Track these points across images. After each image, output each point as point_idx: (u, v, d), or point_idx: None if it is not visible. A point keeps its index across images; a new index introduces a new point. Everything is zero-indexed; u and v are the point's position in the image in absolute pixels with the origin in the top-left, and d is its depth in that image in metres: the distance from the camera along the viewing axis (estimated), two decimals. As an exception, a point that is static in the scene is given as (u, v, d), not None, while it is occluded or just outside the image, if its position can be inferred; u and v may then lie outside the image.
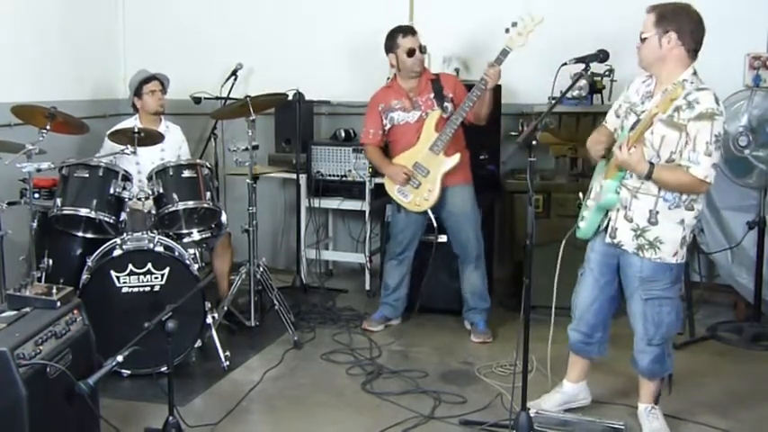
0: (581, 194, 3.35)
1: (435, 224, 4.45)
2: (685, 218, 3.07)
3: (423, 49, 4.47)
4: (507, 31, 4.09)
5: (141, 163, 4.50)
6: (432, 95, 4.44)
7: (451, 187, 4.42)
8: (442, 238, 4.60)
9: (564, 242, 3.24)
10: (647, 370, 3.25)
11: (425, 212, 4.43)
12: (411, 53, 4.40)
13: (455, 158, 4.36)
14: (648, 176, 2.96)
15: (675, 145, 2.96)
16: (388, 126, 4.52)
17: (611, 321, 3.43)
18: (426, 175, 4.37)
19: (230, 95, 5.60)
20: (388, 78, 4.89)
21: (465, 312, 4.62)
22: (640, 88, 3.17)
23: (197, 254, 4.31)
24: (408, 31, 4.46)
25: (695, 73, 3.04)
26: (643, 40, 3.02)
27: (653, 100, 3.05)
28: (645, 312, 3.14)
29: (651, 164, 2.95)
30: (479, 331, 4.49)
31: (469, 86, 4.58)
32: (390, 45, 4.46)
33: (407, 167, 4.38)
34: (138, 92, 4.68)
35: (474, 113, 4.32)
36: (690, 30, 3.01)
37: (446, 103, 4.42)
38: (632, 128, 3.04)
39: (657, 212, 3.04)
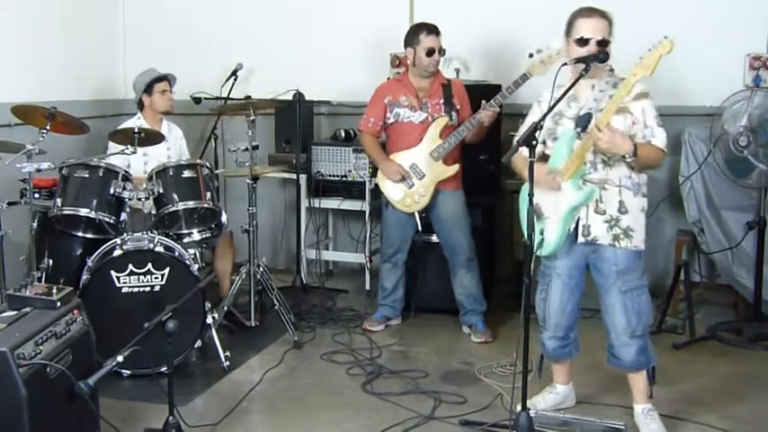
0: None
1: (420, 227, 4.45)
2: (644, 204, 3.20)
3: (442, 52, 4.44)
4: (531, 56, 4.02)
5: (149, 163, 4.50)
6: (441, 101, 4.42)
7: (443, 192, 4.42)
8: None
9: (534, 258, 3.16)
10: (634, 362, 3.25)
11: (412, 214, 4.43)
12: (431, 53, 4.36)
13: (453, 168, 4.37)
14: (634, 153, 3.02)
15: (624, 127, 3.09)
16: (392, 120, 4.48)
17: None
18: (421, 178, 4.37)
19: (230, 95, 5.60)
20: (389, 78, 4.88)
21: (462, 316, 4.60)
22: (555, 96, 3.13)
23: (197, 254, 4.31)
24: (432, 30, 4.39)
25: None
26: (607, 44, 3.14)
27: (587, 94, 3.17)
28: (625, 304, 3.18)
29: (633, 142, 3.04)
30: (479, 331, 4.49)
31: (468, 88, 4.58)
32: (411, 40, 4.42)
33: (404, 167, 4.38)
34: (149, 89, 4.68)
35: (470, 136, 4.33)
36: None
37: (453, 112, 4.41)
38: (577, 125, 3.12)
39: (623, 201, 3.15)
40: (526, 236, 3.01)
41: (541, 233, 3.21)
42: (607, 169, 3.14)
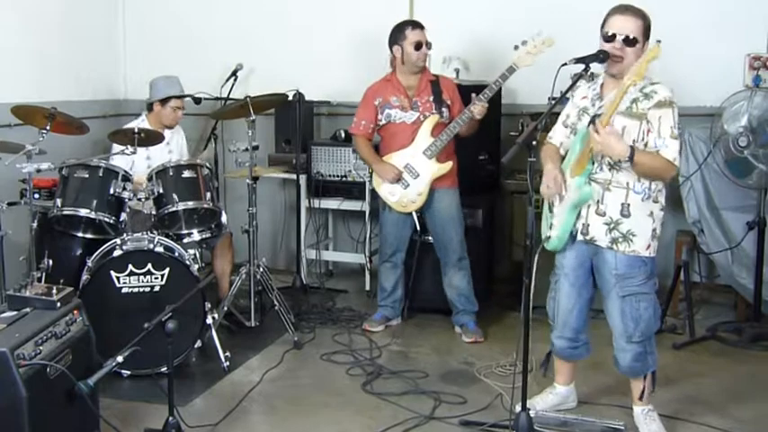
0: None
1: (419, 227, 4.46)
2: (654, 210, 3.14)
3: (429, 45, 4.44)
4: (516, 48, 4.04)
5: (152, 166, 4.49)
6: (431, 98, 4.41)
7: (438, 190, 4.42)
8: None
9: (538, 253, 3.13)
10: (629, 368, 3.24)
11: (410, 214, 4.44)
12: (418, 46, 4.36)
13: (447, 165, 4.36)
14: (630, 158, 2.96)
15: (637, 133, 3.04)
16: (384, 122, 4.47)
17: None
18: (416, 177, 4.37)
19: (230, 95, 5.61)
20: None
21: (454, 316, 4.60)
22: (588, 93, 3.24)
23: (197, 254, 4.31)
24: (417, 24, 4.43)
25: None
26: (634, 42, 3.06)
27: (607, 98, 3.12)
28: (623, 309, 3.16)
29: (631, 146, 2.98)
30: (470, 331, 4.47)
31: (468, 88, 4.58)
32: (396, 37, 4.42)
33: (398, 168, 4.38)
34: (164, 100, 4.62)
35: (464, 130, 4.33)
36: None
37: (443, 108, 4.40)
38: (591, 123, 3.08)
39: (629, 205, 3.10)
40: (527, 236, 3.01)
41: (550, 227, 3.23)
42: (614, 171, 3.09)
